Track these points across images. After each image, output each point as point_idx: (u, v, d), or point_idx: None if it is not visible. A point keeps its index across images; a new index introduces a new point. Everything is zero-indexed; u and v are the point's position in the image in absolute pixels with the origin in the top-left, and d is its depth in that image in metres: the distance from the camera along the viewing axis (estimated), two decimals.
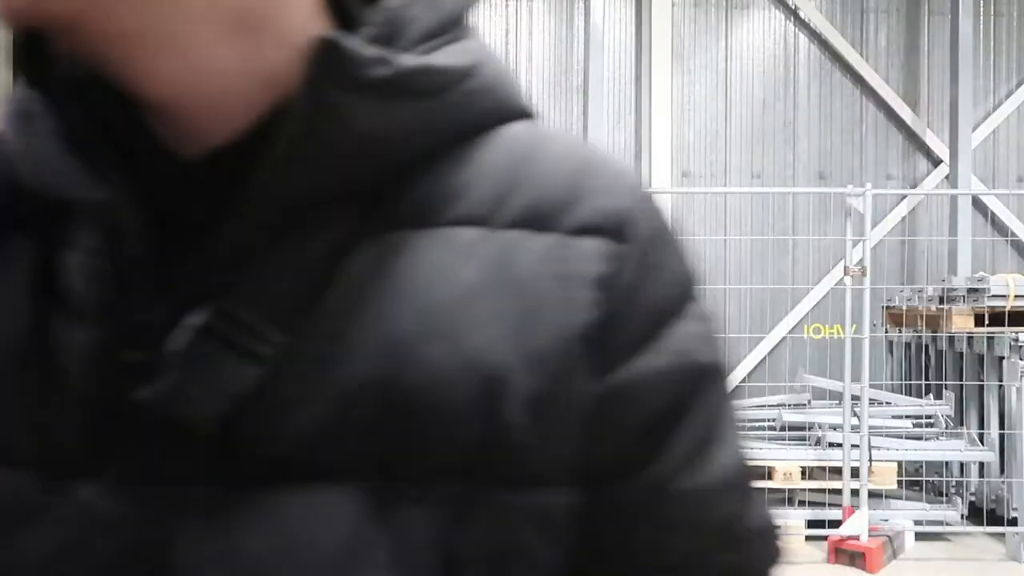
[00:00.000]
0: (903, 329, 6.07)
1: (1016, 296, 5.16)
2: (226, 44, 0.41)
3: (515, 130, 0.49)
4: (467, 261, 0.43)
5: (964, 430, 5.09)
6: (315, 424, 0.40)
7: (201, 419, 0.39)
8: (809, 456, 4.94)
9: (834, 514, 4.76)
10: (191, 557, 0.39)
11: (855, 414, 4.77)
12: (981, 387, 5.19)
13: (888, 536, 4.64)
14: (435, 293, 0.42)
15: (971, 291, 5.35)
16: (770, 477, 4.94)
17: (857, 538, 4.55)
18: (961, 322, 5.18)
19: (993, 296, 5.19)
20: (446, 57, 0.44)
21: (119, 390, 0.40)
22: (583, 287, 0.43)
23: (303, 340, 0.40)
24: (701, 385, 0.46)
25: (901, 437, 5.09)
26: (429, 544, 0.40)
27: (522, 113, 0.51)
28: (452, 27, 0.46)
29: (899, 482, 4.99)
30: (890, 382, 6.16)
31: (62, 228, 0.43)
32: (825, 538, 4.68)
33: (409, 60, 0.42)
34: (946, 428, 5.14)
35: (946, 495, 5.17)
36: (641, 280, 0.45)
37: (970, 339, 5.26)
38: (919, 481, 5.18)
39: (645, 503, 0.44)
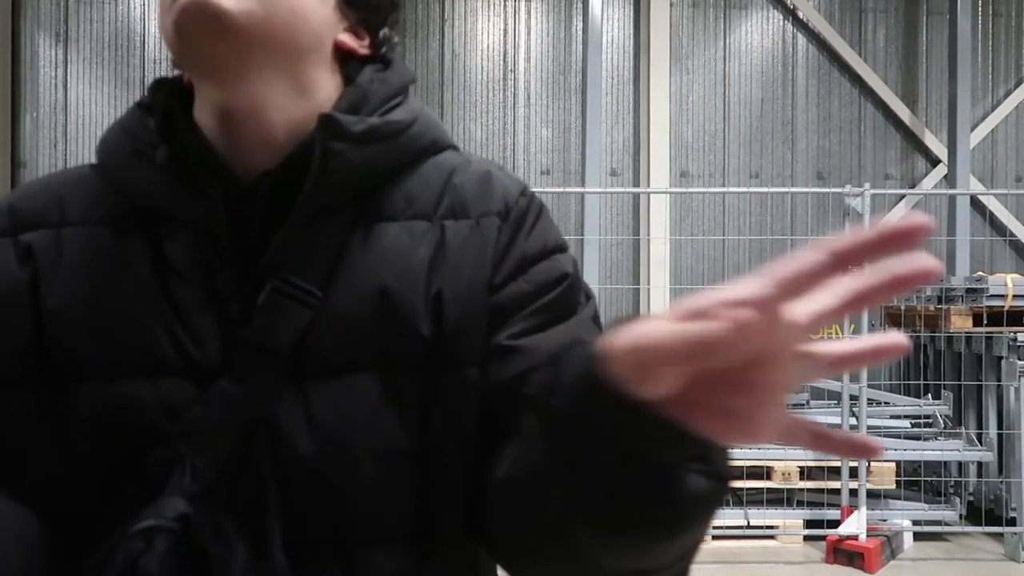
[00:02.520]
0: (901, 329, 6.07)
1: (1014, 296, 5.16)
2: (293, 102, 0.74)
3: (444, 156, 0.81)
4: (420, 241, 0.73)
5: (962, 430, 5.09)
6: (344, 341, 0.69)
7: (280, 343, 0.68)
8: (808, 456, 4.94)
9: (833, 514, 4.76)
10: (286, 421, 0.67)
11: (853, 414, 4.77)
12: (979, 387, 5.19)
13: (886, 536, 4.64)
14: (403, 260, 0.72)
15: (969, 291, 5.35)
16: (769, 477, 4.94)
17: (856, 538, 4.55)
18: (959, 322, 5.18)
19: (991, 296, 5.18)
20: (397, 115, 0.77)
21: (229, 328, 0.68)
22: (485, 247, 0.74)
23: (331, 291, 0.70)
24: (554, 298, 0.74)
25: (900, 437, 5.09)
26: (414, 403, 0.70)
27: (449, 146, 0.83)
28: (399, 94, 0.79)
29: (897, 482, 4.99)
30: (888, 382, 6.17)
31: (165, 228, 0.71)
32: (824, 538, 4.68)
33: (373, 119, 0.74)
34: (944, 428, 5.14)
35: (944, 495, 5.17)
36: (514, 240, 0.75)
37: (968, 339, 5.27)
38: (917, 481, 5.19)
39: (514, 360, 0.71)
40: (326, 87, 0.76)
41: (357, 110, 0.74)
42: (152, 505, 0.63)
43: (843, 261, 0.44)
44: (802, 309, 0.44)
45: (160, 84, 0.79)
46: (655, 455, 0.51)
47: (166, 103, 0.76)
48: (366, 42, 0.80)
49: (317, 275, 0.70)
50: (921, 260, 0.44)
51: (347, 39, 0.78)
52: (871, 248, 0.46)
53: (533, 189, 0.80)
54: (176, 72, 0.80)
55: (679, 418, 0.47)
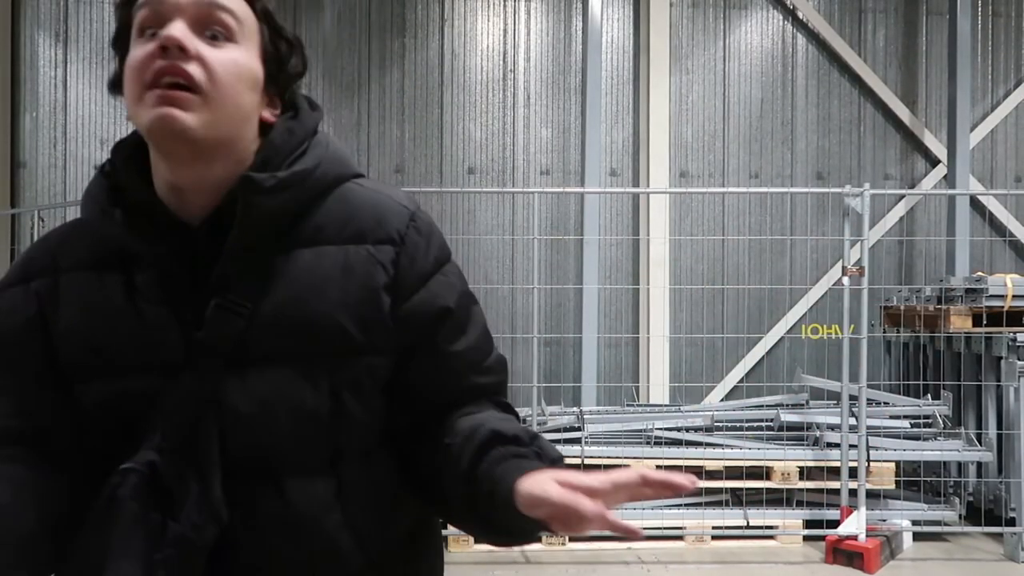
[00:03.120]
0: (901, 329, 6.07)
1: (1014, 296, 5.17)
2: (226, 170, 0.97)
3: (348, 186, 1.04)
4: (330, 262, 0.98)
5: (962, 430, 5.09)
6: (271, 339, 0.95)
7: (224, 342, 0.93)
8: (807, 456, 4.94)
9: (832, 514, 4.76)
10: (230, 396, 0.93)
11: (853, 414, 4.77)
12: (979, 387, 5.20)
13: (886, 536, 4.64)
14: (314, 278, 0.97)
15: (969, 291, 5.35)
16: (768, 477, 4.94)
17: (855, 538, 4.56)
18: (959, 322, 5.18)
19: (991, 296, 5.19)
20: (302, 163, 0.99)
21: (187, 333, 0.94)
22: (383, 271, 0.99)
23: (260, 304, 0.95)
24: (446, 307, 1.03)
25: (899, 437, 5.09)
26: (327, 386, 0.95)
27: (353, 175, 1.06)
28: (305, 140, 1.01)
29: (897, 482, 4.99)
30: (888, 382, 6.17)
31: (135, 265, 0.97)
32: (823, 538, 4.68)
33: (282, 173, 0.97)
34: (944, 428, 5.15)
35: (944, 495, 5.17)
36: (411, 263, 1.01)
37: (968, 339, 5.27)
38: (917, 481, 5.19)
39: (432, 359, 1.03)
40: (250, 149, 0.99)
41: (268, 166, 0.97)
42: (132, 457, 0.91)
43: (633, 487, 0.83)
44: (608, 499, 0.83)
45: (118, 147, 1.03)
46: (519, 527, 0.90)
47: (126, 162, 1.00)
48: (278, 109, 1.03)
49: (250, 291, 0.95)
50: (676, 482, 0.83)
51: (267, 114, 1.02)
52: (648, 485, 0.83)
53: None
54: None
55: (538, 519, 0.85)
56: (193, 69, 0.90)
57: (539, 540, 0.80)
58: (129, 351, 0.95)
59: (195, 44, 0.91)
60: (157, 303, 0.95)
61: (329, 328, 0.95)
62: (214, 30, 0.94)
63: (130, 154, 1.01)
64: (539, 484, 0.84)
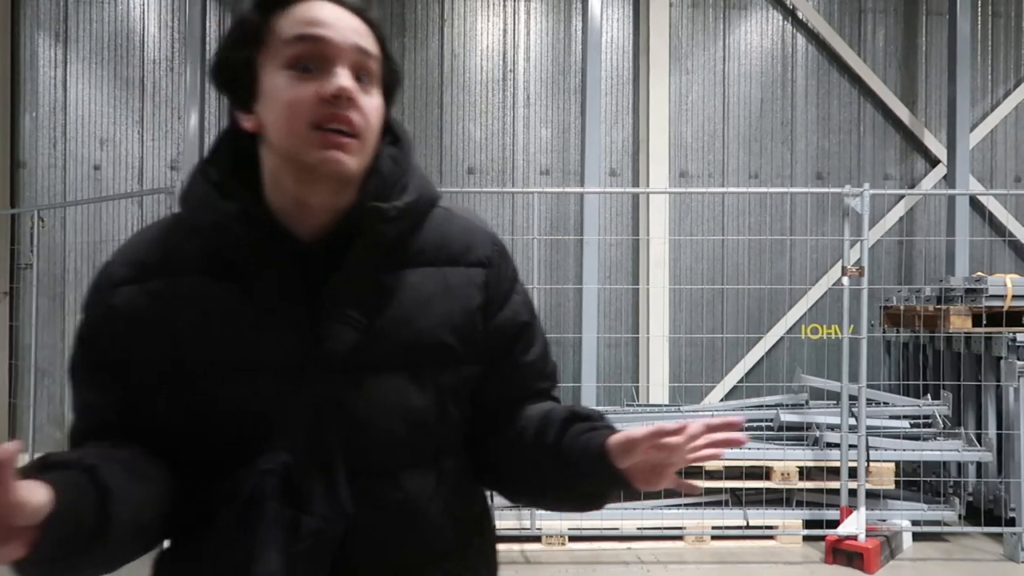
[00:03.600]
0: (901, 329, 6.07)
1: (1014, 296, 5.16)
2: (352, 190, 1.06)
3: (436, 212, 1.15)
4: (432, 283, 1.10)
5: (962, 430, 5.09)
6: (383, 350, 1.05)
7: (341, 351, 1.02)
8: (807, 456, 4.94)
9: (832, 514, 4.76)
10: (351, 400, 1.02)
11: (853, 414, 4.77)
12: (979, 387, 5.20)
13: (886, 536, 4.64)
14: (420, 296, 1.09)
15: (969, 291, 5.35)
16: (768, 477, 4.94)
17: (855, 538, 4.55)
18: (959, 322, 5.18)
19: (991, 296, 5.19)
20: (412, 194, 1.09)
21: (301, 342, 1.01)
22: (476, 292, 1.13)
23: (372, 318, 1.04)
24: (525, 322, 1.19)
25: (899, 437, 5.09)
26: (432, 392, 1.08)
27: (437, 201, 1.16)
28: (407, 171, 1.11)
29: (897, 482, 4.99)
30: (888, 382, 6.17)
31: (250, 274, 1.03)
32: (823, 538, 4.68)
33: (401, 203, 1.07)
34: (944, 428, 5.15)
35: (944, 495, 5.17)
36: (497, 283, 1.16)
37: (968, 339, 5.27)
38: (917, 481, 5.19)
39: (511, 367, 1.17)
40: None
41: (382, 195, 1.06)
42: (266, 455, 0.98)
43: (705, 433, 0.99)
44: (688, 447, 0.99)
45: (214, 158, 1.08)
46: (600, 487, 1.08)
47: (231, 174, 1.06)
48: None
49: (361, 306, 1.04)
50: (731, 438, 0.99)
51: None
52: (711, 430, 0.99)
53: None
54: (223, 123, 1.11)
55: (622, 476, 1.03)
56: (356, 118, 1.01)
57: (615, 500, 0.92)
58: (249, 355, 1.01)
59: (359, 95, 1.01)
60: (273, 311, 1.02)
61: (434, 343, 1.08)
62: (362, 75, 1.03)
63: (231, 166, 1.07)
64: (626, 432, 1.01)
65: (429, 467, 1.09)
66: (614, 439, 1.02)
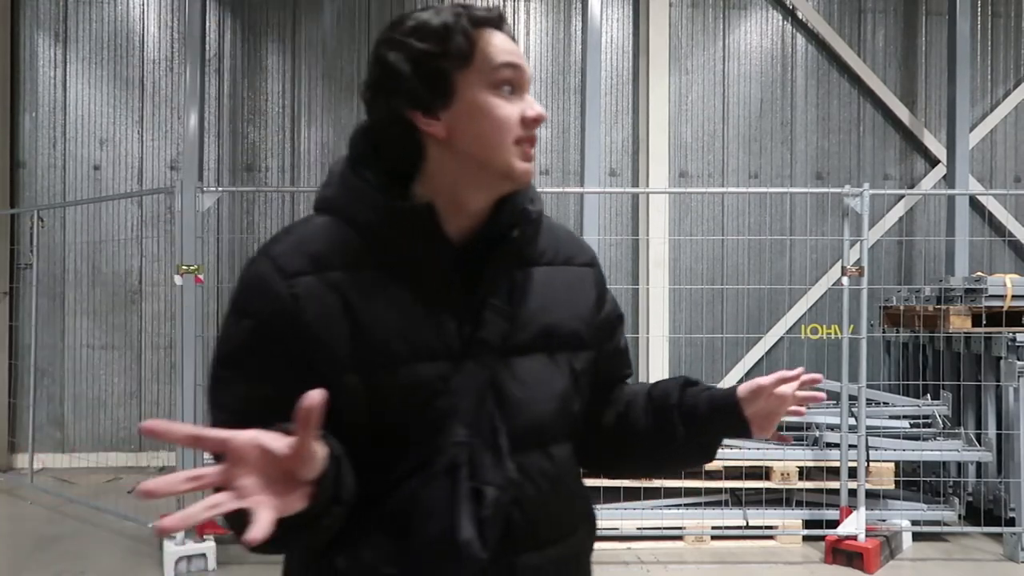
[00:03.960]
0: (900, 329, 6.07)
1: (1013, 296, 5.16)
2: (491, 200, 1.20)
3: (546, 221, 1.29)
4: (559, 279, 1.27)
5: (961, 430, 5.09)
6: (527, 337, 1.20)
7: (496, 338, 1.16)
8: (807, 456, 4.94)
9: (832, 514, 4.76)
10: (507, 382, 1.16)
11: (852, 414, 4.77)
12: (978, 387, 5.20)
13: (885, 536, 4.64)
14: (551, 291, 1.25)
15: (968, 291, 5.35)
16: (768, 477, 4.94)
17: (855, 538, 4.56)
18: (958, 322, 5.18)
19: (990, 296, 5.19)
20: (539, 203, 1.25)
21: (460, 330, 1.14)
22: (592, 287, 1.33)
23: (514, 308, 1.19)
24: (620, 315, 1.40)
25: (898, 437, 5.09)
26: (568, 373, 1.24)
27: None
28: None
29: (896, 482, 4.99)
30: (887, 382, 6.17)
31: (415, 271, 1.14)
32: (823, 538, 4.68)
33: (537, 208, 1.24)
34: (943, 428, 5.15)
35: (943, 495, 5.17)
36: (601, 282, 1.36)
37: (967, 339, 5.27)
38: (916, 481, 5.20)
39: (610, 353, 1.37)
40: None
41: (528, 202, 1.22)
42: (446, 432, 1.11)
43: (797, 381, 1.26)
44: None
45: (361, 161, 1.18)
46: (731, 433, 1.29)
47: (384, 177, 1.17)
48: None
49: (504, 298, 1.18)
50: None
51: None
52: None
53: None
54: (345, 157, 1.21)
55: (746, 423, 1.27)
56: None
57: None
58: (422, 343, 1.13)
59: None
60: (438, 303, 1.15)
61: (567, 330, 1.25)
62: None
63: (380, 167, 1.18)
64: (755, 380, 1.25)
65: (567, 440, 1.26)
66: (744, 386, 1.25)
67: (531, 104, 1.16)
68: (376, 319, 1.11)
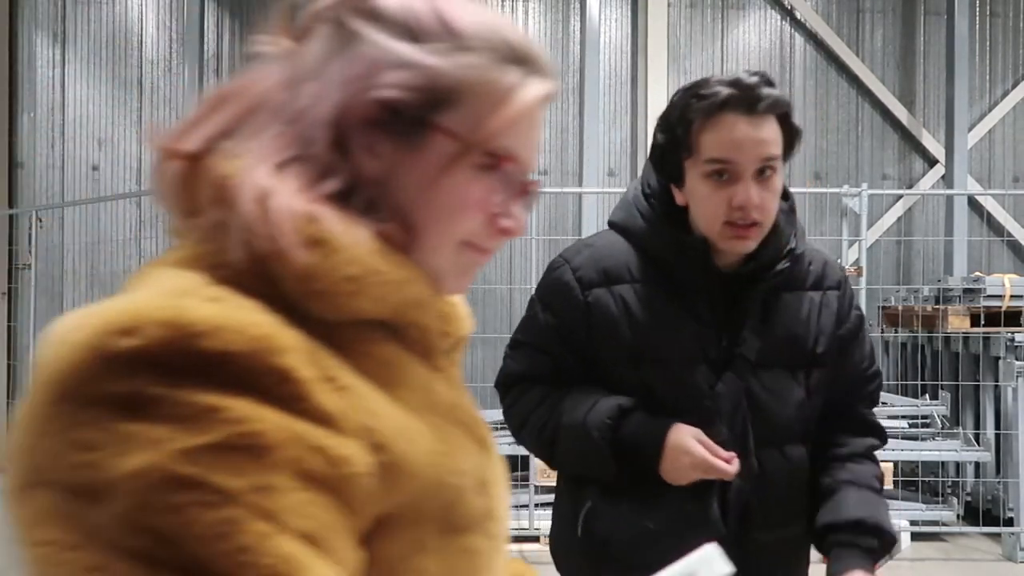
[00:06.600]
0: (899, 329, 6.07)
1: (1012, 296, 5.17)
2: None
3: (802, 247, 1.48)
4: (804, 303, 1.47)
5: (960, 430, 5.09)
6: (775, 352, 1.43)
7: (752, 353, 1.41)
8: None
9: None
10: (756, 390, 1.41)
11: None
12: (977, 387, 5.20)
13: None
14: (796, 314, 1.46)
15: (967, 291, 5.35)
16: None
17: None
18: (957, 322, 5.18)
19: (989, 296, 5.19)
20: (794, 242, 1.45)
21: (719, 344, 1.42)
22: (835, 310, 1.49)
23: (768, 328, 1.43)
24: (861, 335, 1.54)
25: (897, 437, 5.09)
26: (804, 386, 1.45)
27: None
28: (794, 220, 1.48)
29: (895, 482, 4.99)
30: (886, 382, 6.16)
31: (687, 290, 1.42)
32: None
33: (793, 247, 1.44)
34: (942, 428, 5.15)
35: (942, 495, 5.17)
36: (846, 302, 1.51)
37: (966, 339, 5.27)
38: (915, 481, 5.20)
39: (844, 372, 1.51)
40: None
41: (784, 244, 1.41)
42: (713, 428, 1.35)
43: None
44: None
45: (653, 199, 1.44)
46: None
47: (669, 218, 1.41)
48: None
49: (758, 319, 1.40)
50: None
51: None
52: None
53: None
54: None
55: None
56: (756, 215, 1.32)
57: None
58: (693, 352, 1.39)
59: (759, 194, 1.31)
60: (706, 321, 1.40)
61: (808, 350, 1.44)
62: (766, 170, 1.32)
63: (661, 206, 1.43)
64: None
65: (802, 443, 1.46)
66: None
67: (741, 191, 1.34)
68: (652, 327, 1.39)
